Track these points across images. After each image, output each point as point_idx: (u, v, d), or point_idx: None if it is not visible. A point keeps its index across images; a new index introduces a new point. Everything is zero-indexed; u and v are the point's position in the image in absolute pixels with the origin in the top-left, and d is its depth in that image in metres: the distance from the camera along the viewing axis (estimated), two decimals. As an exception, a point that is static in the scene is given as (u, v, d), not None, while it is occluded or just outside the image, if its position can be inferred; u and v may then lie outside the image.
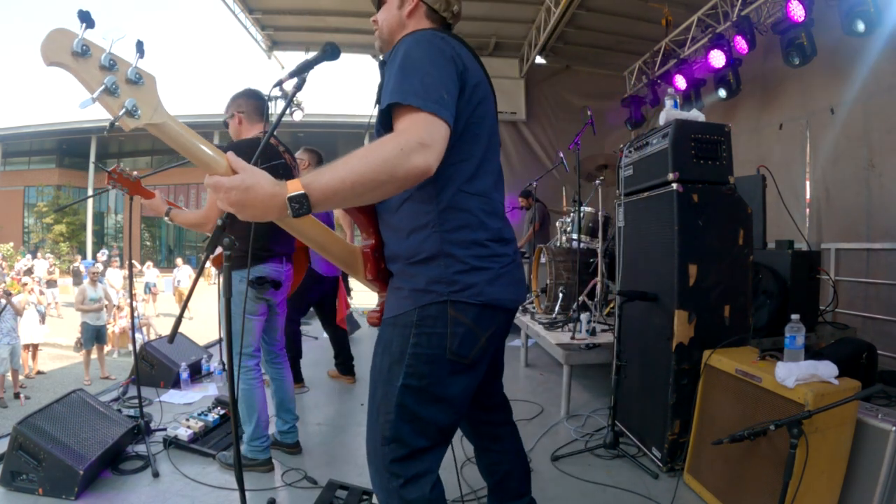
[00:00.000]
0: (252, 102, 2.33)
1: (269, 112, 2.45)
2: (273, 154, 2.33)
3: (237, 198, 0.94)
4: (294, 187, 0.94)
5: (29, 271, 12.15)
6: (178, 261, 14.84)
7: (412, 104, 1.03)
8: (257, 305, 2.34)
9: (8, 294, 7.13)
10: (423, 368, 1.17)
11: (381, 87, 1.20)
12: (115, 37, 0.89)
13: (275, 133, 2.35)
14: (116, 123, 0.90)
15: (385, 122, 1.12)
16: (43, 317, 9.57)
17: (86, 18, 0.86)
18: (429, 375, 1.17)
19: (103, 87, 0.87)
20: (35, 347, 7.70)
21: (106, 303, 7.92)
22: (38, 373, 7.76)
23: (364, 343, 5.43)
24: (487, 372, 1.41)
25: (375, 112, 1.22)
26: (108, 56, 0.88)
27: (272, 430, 2.56)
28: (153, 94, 0.94)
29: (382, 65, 1.24)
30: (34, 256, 15.48)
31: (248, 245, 2.24)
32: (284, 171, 2.34)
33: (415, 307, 1.17)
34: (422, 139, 1.00)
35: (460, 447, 2.47)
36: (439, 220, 1.16)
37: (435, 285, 1.15)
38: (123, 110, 0.89)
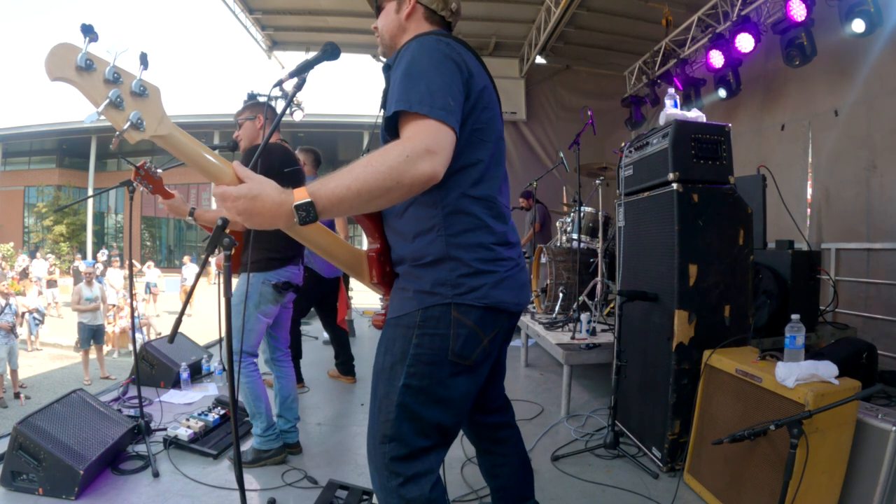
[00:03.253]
0: (272, 112, 2.43)
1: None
2: (293, 160, 2.43)
3: (244, 206, 0.96)
4: (300, 196, 0.96)
5: (24, 273, 12.12)
6: (186, 259, 14.82)
7: (418, 111, 1.04)
8: (275, 308, 2.41)
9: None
10: (425, 369, 1.17)
11: (386, 92, 1.21)
12: (118, 50, 0.90)
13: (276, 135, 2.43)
14: (122, 136, 0.91)
15: (391, 129, 1.11)
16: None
17: (89, 32, 0.86)
18: (430, 376, 1.18)
19: (108, 100, 0.87)
20: None
21: (101, 303, 7.89)
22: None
23: (364, 343, 5.44)
24: (489, 375, 1.41)
25: (381, 117, 1.22)
26: (112, 69, 0.89)
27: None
28: (158, 106, 0.94)
29: (387, 68, 1.24)
30: (33, 257, 15.47)
31: (271, 247, 2.30)
32: (300, 176, 2.46)
33: (418, 308, 1.18)
34: (428, 146, 1.01)
35: (461, 447, 2.48)
36: (444, 224, 1.17)
37: (440, 287, 1.16)
38: (129, 123, 0.89)
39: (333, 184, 0.97)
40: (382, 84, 1.26)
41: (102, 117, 0.89)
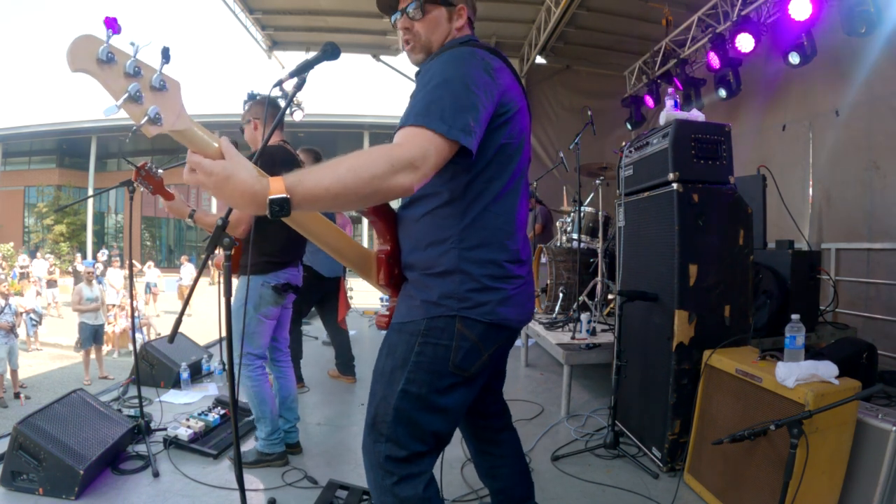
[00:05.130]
0: (268, 109, 2.40)
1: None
2: (294, 161, 2.42)
3: (215, 183, 0.92)
4: (276, 189, 0.90)
5: (24, 274, 12.08)
6: (183, 258, 14.84)
7: (436, 129, 1.02)
8: (276, 309, 2.40)
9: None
10: (424, 377, 1.19)
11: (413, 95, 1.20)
12: (140, 43, 0.90)
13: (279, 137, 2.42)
14: (139, 131, 0.90)
15: None
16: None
17: (112, 25, 0.86)
18: (428, 384, 1.19)
19: (127, 94, 0.87)
20: None
21: (102, 303, 7.88)
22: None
23: (364, 343, 5.44)
24: (489, 381, 1.42)
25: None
26: (132, 63, 0.88)
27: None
28: (177, 101, 0.94)
29: (419, 74, 1.23)
30: (33, 257, 15.46)
31: (269, 252, 2.30)
32: None
33: (424, 317, 1.19)
34: (413, 159, 0.99)
35: (461, 447, 2.48)
36: (460, 236, 1.17)
37: (447, 300, 1.17)
38: (146, 118, 0.89)
39: (313, 182, 0.93)
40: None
41: (122, 111, 0.89)
